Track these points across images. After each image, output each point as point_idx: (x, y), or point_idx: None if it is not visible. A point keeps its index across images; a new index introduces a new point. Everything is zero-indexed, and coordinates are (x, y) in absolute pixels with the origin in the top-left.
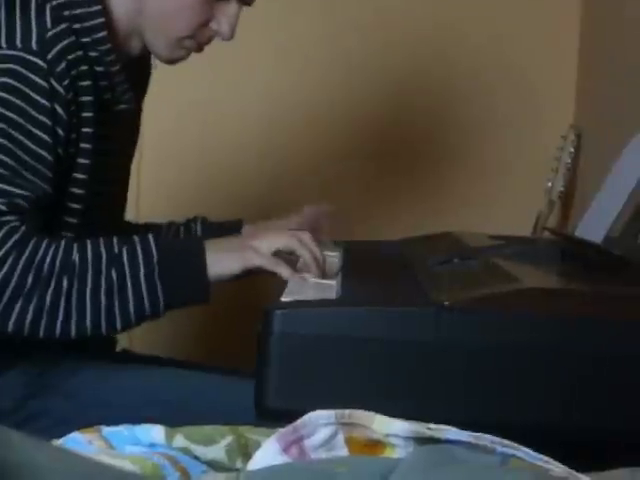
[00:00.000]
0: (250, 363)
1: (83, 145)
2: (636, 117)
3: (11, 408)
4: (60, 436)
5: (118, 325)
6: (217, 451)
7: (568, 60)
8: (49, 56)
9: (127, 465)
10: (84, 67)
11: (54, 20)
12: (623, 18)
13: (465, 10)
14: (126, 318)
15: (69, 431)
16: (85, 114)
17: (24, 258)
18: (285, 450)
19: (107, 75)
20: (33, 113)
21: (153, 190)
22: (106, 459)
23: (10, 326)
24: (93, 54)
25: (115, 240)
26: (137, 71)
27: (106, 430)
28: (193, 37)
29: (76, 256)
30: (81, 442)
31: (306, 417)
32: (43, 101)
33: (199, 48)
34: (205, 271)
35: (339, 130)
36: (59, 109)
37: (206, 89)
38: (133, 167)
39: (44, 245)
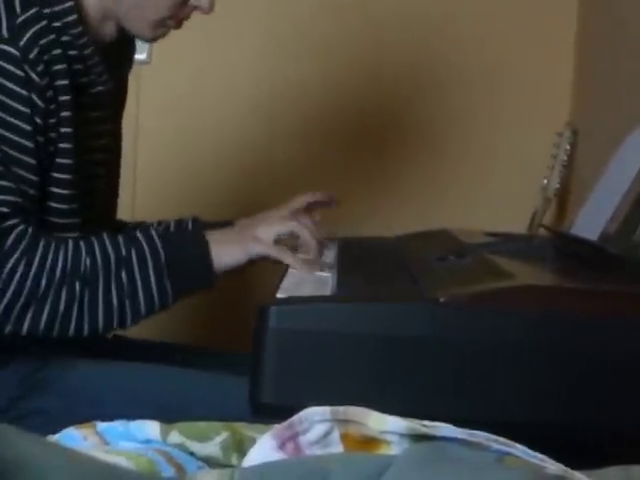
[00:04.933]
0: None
1: (64, 129)
2: (632, 114)
3: (4, 406)
4: (54, 434)
5: (128, 321)
6: (212, 447)
7: (564, 57)
8: (21, 43)
9: (122, 461)
10: (57, 51)
11: (23, 6)
12: (619, 15)
13: (461, 6)
14: (137, 314)
15: (63, 429)
16: (62, 98)
17: (35, 264)
18: (280, 447)
19: (81, 58)
20: (10, 103)
21: (148, 191)
22: (101, 455)
23: (24, 330)
24: (65, 38)
25: (121, 240)
26: (119, 51)
27: (101, 426)
28: (173, 16)
29: (86, 258)
30: (76, 438)
31: (302, 414)
32: (19, 90)
33: (179, 25)
34: (211, 265)
35: (335, 129)
36: (35, 97)
37: (204, 90)
38: (128, 168)
39: (53, 248)
